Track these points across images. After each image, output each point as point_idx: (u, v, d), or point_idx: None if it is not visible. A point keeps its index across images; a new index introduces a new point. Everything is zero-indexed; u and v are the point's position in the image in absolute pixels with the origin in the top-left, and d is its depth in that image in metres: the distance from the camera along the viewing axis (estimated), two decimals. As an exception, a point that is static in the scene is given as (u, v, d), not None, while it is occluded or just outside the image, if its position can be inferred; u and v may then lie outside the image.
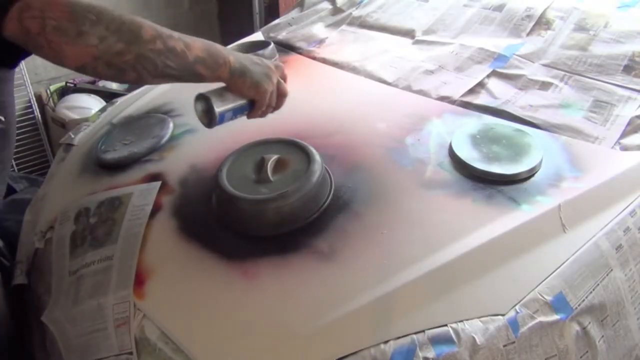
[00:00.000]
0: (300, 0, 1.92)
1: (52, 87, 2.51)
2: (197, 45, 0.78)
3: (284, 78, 0.93)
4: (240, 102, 0.85)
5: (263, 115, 0.90)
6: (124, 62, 0.71)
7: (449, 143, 1.06)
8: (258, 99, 0.86)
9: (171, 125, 1.22)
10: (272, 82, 0.87)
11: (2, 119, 0.82)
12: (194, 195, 1.02)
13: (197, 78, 0.79)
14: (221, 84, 0.84)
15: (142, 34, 0.72)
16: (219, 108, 0.82)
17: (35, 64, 2.45)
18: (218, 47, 0.81)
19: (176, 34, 0.76)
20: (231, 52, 0.82)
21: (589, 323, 0.82)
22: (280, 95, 0.90)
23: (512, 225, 0.87)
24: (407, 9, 1.64)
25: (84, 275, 0.93)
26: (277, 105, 0.91)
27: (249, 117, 0.89)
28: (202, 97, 0.84)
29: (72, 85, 2.50)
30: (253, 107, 0.87)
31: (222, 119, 0.84)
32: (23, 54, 0.74)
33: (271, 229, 0.90)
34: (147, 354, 0.82)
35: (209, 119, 0.84)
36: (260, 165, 0.97)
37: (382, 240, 0.86)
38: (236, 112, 0.86)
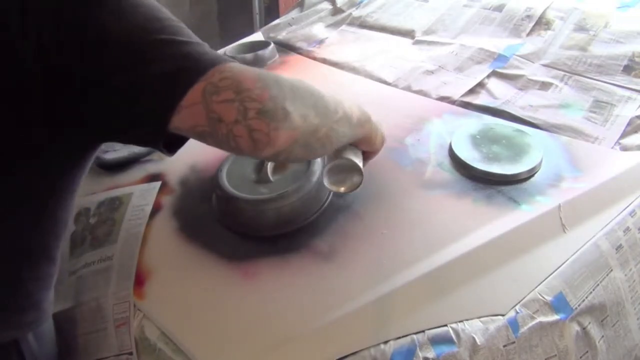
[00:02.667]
0: (300, 0, 1.92)
1: (52, 87, 2.50)
2: (353, 106, 0.68)
3: None
4: (360, 153, 0.74)
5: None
6: (317, 139, 0.60)
7: (449, 143, 1.05)
8: (381, 148, 0.78)
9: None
10: (382, 129, 0.77)
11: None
12: (194, 195, 1.02)
13: (347, 141, 0.69)
14: None
15: (327, 104, 0.62)
16: (360, 162, 0.72)
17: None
18: (354, 104, 0.69)
19: (339, 99, 0.65)
20: (356, 105, 0.70)
21: (589, 323, 0.82)
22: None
23: (512, 225, 0.87)
24: (407, 9, 1.64)
25: (84, 276, 0.93)
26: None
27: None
28: (356, 169, 0.72)
29: (72, 85, 2.50)
30: (366, 157, 0.78)
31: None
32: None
33: (271, 229, 0.90)
34: (147, 354, 0.82)
35: (351, 185, 0.74)
36: (260, 165, 0.96)
37: (382, 241, 0.86)
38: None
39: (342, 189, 0.75)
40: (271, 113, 0.54)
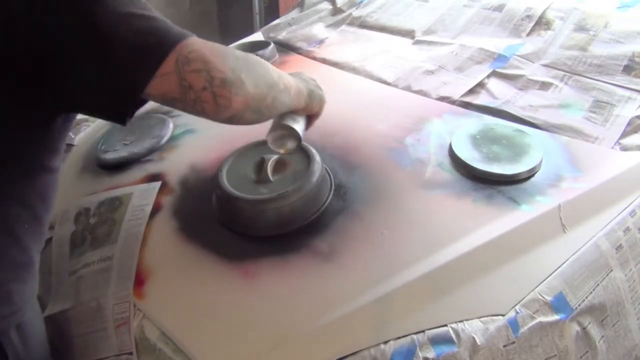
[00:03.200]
0: (300, 1, 1.92)
1: (52, 87, 2.50)
2: (292, 80, 0.78)
3: None
4: (304, 118, 0.86)
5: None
6: (265, 106, 0.70)
7: (449, 143, 1.06)
8: (321, 111, 0.89)
9: (171, 125, 1.22)
10: (321, 90, 0.89)
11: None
12: (194, 195, 1.02)
13: (287, 109, 0.80)
14: None
15: (272, 75, 0.72)
16: (301, 132, 0.83)
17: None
18: (294, 78, 0.80)
19: (281, 73, 0.76)
20: (295, 75, 0.83)
21: (589, 323, 0.82)
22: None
23: (512, 225, 0.87)
24: (407, 9, 1.64)
25: (84, 276, 0.93)
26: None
27: (306, 128, 0.89)
28: (292, 133, 0.82)
29: (72, 85, 2.50)
30: (310, 120, 0.89)
31: (301, 141, 0.85)
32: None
33: (271, 229, 0.90)
34: (147, 354, 0.82)
35: (295, 147, 0.85)
36: (260, 165, 0.97)
37: (382, 241, 0.86)
38: (304, 126, 0.87)
39: (281, 151, 0.86)
40: (232, 81, 0.63)
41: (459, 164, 1.00)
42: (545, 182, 0.96)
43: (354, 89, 1.35)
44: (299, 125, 0.83)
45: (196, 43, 0.63)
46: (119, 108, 0.64)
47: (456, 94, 1.24)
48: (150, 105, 1.37)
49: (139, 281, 0.88)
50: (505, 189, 0.95)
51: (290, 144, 0.85)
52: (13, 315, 0.71)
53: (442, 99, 1.24)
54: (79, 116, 2.42)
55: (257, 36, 1.76)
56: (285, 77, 0.76)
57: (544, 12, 1.41)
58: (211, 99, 0.63)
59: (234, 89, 0.64)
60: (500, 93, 1.23)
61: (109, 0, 0.60)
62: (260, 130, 1.13)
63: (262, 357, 0.75)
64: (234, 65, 0.65)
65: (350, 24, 1.68)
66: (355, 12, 1.71)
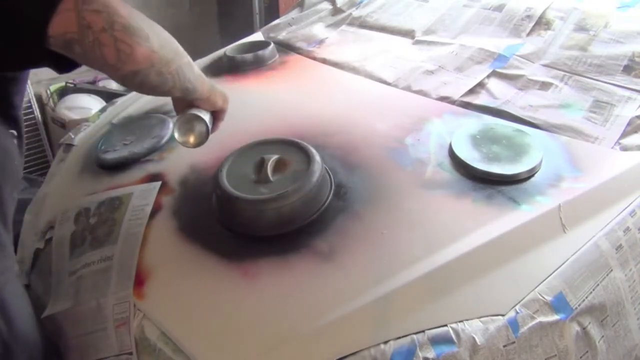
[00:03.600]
0: (300, 1, 1.92)
1: (52, 87, 2.51)
2: (194, 63, 0.79)
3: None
4: (210, 113, 0.87)
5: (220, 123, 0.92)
6: (169, 72, 0.70)
7: (449, 143, 1.06)
8: (225, 106, 0.89)
9: (171, 125, 1.22)
10: (220, 89, 0.88)
11: (15, 133, 0.76)
12: (194, 195, 1.02)
13: (193, 93, 0.80)
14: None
15: (179, 47, 0.73)
16: (206, 117, 0.84)
17: (35, 64, 2.45)
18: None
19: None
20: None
21: (589, 323, 0.82)
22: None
23: (512, 225, 0.87)
24: (407, 9, 1.64)
25: (84, 276, 0.93)
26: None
27: (214, 128, 0.90)
28: (198, 118, 0.83)
29: (72, 85, 2.50)
30: (216, 117, 0.89)
31: (209, 134, 0.86)
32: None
33: (271, 229, 0.90)
34: (147, 354, 0.82)
35: (206, 137, 0.85)
36: (260, 165, 0.97)
37: (382, 241, 0.86)
38: (211, 123, 0.88)
39: (191, 139, 0.84)
40: (135, 29, 0.62)
41: (459, 164, 1.01)
42: (545, 182, 0.96)
43: (354, 89, 1.35)
44: (206, 117, 0.84)
45: None
46: (30, 51, 0.61)
47: (456, 94, 1.24)
48: (150, 105, 1.38)
49: (139, 281, 0.88)
50: (505, 189, 0.95)
51: (198, 128, 0.83)
52: None
53: (442, 99, 1.24)
54: (79, 116, 2.41)
55: (257, 36, 1.77)
56: (189, 56, 0.76)
57: (544, 12, 1.41)
58: (111, 43, 0.61)
59: (137, 37, 0.62)
60: (500, 93, 1.23)
61: None
62: (260, 130, 1.14)
63: (262, 357, 0.75)
64: (139, 18, 0.63)
65: (350, 24, 1.68)
66: (355, 12, 1.71)
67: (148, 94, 0.74)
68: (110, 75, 0.67)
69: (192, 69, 0.76)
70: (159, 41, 0.66)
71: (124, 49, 0.62)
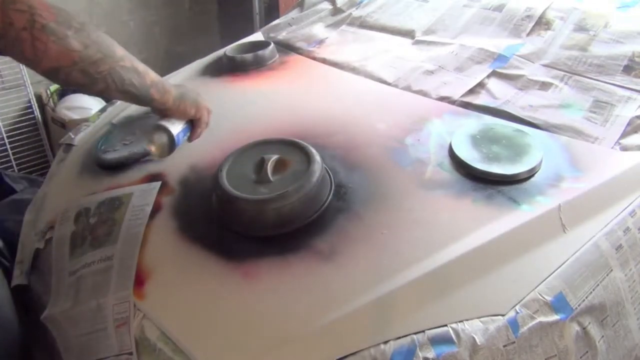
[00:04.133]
0: (300, 1, 1.92)
1: (52, 87, 2.51)
2: (151, 72, 0.84)
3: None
4: (184, 123, 0.91)
5: (201, 133, 0.96)
6: (98, 72, 0.74)
7: (449, 143, 1.06)
8: (199, 116, 0.93)
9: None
10: (202, 101, 0.93)
11: None
12: (194, 195, 1.02)
13: (148, 100, 0.84)
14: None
15: (115, 50, 0.77)
16: (175, 132, 0.87)
17: (35, 64, 2.45)
18: (163, 79, 0.86)
19: (135, 58, 0.81)
20: (168, 82, 0.88)
21: (589, 323, 0.82)
22: (209, 113, 0.96)
23: (512, 225, 0.87)
24: (407, 10, 1.64)
25: (84, 276, 0.93)
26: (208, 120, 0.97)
27: (191, 138, 0.94)
28: (161, 128, 0.86)
29: (72, 85, 2.50)
30: (194, 126, 0.93)
31: (179, 142, 0.89)
32: None
33: (271, 229, 0.90)
34: (147, 354, 0.82)
35: (169, 148, 0.87)
36: (260, 165, 0.97)
37: (382, 241, 0.86)
38: (184, 133, 0.91)
39: (152, 149, 0.86)
40: (53, 29, 0.67)
41: (459, 164, 1.01)
42: (545, 182, 0.96)
43: (354, 89, 1.35)
44: (174, 127, 0.87)
45: None
46: None
47: (456, 94, 1.24)
48: (150, 105, 1.37)
49: (139, 281, 0.88)
50: (505, 189, 0.95)
51: (158, 138, 0.85)
52: None
53: (442, 99, 1.24)
54: (79, 116, 2.41)
55: (257, 36, 1.76)
56: (139, 64, 0.81)
57: (544, 12, 1.41)
58: (29, 40, 0.66)
59: (53, 37, 0.67)
60: (500, 93, 1.23)
61: None
62: (260, 130, 1.14)
63: (262, 357, 0.75)
64: (63, 20, 0.69)
65: (350, 24, 1.68)
66: (355, 12, 1.71)
67: (84, 92, 0.77)
68: (34, 69, 0.71)
69: (137, 74, 0.80)
70: (83, 41, 0.71)
71: (39, 46, 0.67)
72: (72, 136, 1.36)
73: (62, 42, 0.69)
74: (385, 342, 0.73)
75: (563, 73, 1.24)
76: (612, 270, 0.87)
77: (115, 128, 1.31)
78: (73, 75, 0.72)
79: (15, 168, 2.27)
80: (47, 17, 0.67)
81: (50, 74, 0.71)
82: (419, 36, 1.51)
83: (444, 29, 1.50)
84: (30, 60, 0.69)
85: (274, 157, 0.97)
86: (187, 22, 3.02)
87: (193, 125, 0.93)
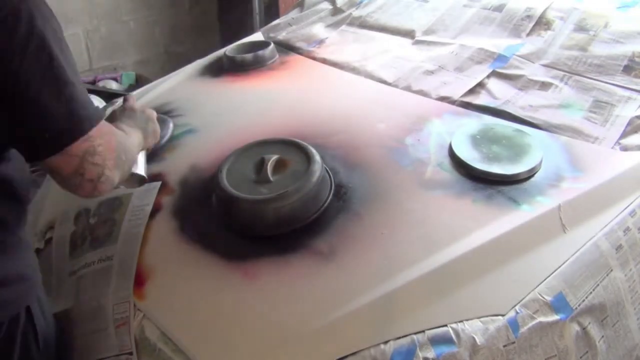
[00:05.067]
0: (300, 1, 1.92)
1: (52, 87, 2.50)
2: (135, 139, 0.90)
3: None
4: (143, 154, 0.98)
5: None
6: (99, 194, 0.78)
7: (449, 143, 1.06)
8: (154, 143, 1.02)
9: (171, 125, 1.22)
10: (154, 123, 1.01)
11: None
12: (194, 195, 1.02)
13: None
14: None
15: (135, 153, 0.87)
16: (143, 172, 0.95)
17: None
18: (135, 135, 0.91)
19: (133, 135, 0.89)
20: (132, 127, 0.92)
21: (589, 323, 0.82)
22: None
23: (512, 225, 0.87)
24: (407, 10, 1.64)
25: (84, 276, 0.93)
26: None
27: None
28: (136, 177, 0.94)
29: (72, 85, 2.50)
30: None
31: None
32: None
33: (271, 229, 0.90)
34: (147, 354, 0.82)
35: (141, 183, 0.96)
36: (260, 165, 0.97)
37: (382, 241, 0.86)
38: (144, 160, 0.99)
39: (135, 186, 0.95)
40: (111, 179, 0.74)
41: (459, 164, 1.00)
42: (545, 182, 0.96)
43: (354, 89, 1.35)
44: (139, 168, 0.94)
45: (104, 135, 0.72)
46: (35, 154, 0.70)
47: (456, 94, 1.24)
48: (150, 105, 1.37)
49: (139, 281, 0.88)
50: (505, 189, 0.95)
51: (136, 184, 0.95)
52: (33, 288, 0.79)
53: (442, 99, 1.24)
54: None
55: (257, 36, 1.76)
56: (135, 142, 0.89)
57: (544, 12, 1.41)
58: (89, 189, 0.72)
59: (109, 184, 0.74)
60: (500, 93, 1.23)
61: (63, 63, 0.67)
62: (260, 130, 1.13)
63: (262, 357, 0.75)
64: (120, 162, 0.76)
65: (350, 24, 1.68)
66: (355, 12, 1.71)
67: None
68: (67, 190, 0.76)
69: (139, 153, 0.91)
70: (123, 172, 0.79)
71: (96, 193, 0.74)
72: (72, 136, 1.35)
73: (113, 184, 0.76)
74: (385, 342, 0.73)
75: (563, 73, 1.24)
76: (612, 270, 0.87)
77: (115, 128, 1.30)
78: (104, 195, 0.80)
79: (15, 168, 2.27)
80: (111, 166, 0.73)
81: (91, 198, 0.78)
82: (419, 36, 1.51)
83: (444, 29, 1.50)
84: (76, 194, 0.74)
85: (274, 157, 0.97)
86: (187, 22, 3.02)
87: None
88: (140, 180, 0.94)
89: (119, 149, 0.76)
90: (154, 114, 1.03)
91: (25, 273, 0.78)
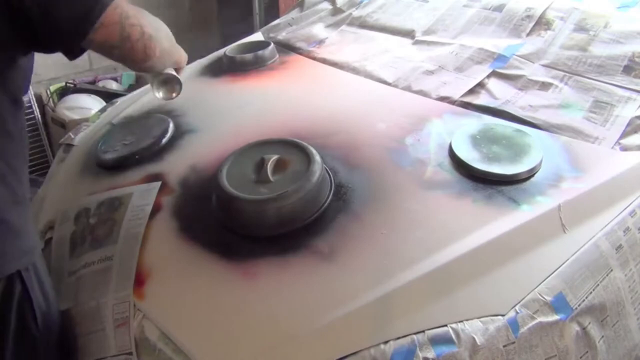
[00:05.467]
0: (300, 1, 1.92)
1: (52, 88, 2.51)
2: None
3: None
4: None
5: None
6: (170, 61, 0.92)
7: (448, 143, 1.06)
8: (184, 63, 1.03)
9: (171, 125, 1.22)
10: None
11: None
12: (194, 195, 1.02)
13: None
14: None
15: (168, 33, 0.92)
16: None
17: (35, 64, 2.45)
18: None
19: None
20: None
21: (589, 323, 0.82)
22: None
23: (512, 225, 0.87)
24: (407, 10, 1.64)
25: (84, 276, 0.93)
26: None
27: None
28: (174, 78, 0.99)
29: (72, 85, 2.51)
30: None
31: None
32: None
33: (271, 229, 0.90)
34: (146, 354, 0.82)
35: (178, 90, 1.00)
36: (260, 165, 0.97)
37: (382, 241, 0.86)
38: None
39: (174, 95, 1.00)
40: (156, 38, 0.84)
41: (459, 164, 1.00)
42: (545, 182, 0.96)
43: (354, 89, 1.35)
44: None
45: (125, 3, 0.79)
46: (70, 43, 0.76)
47: (456, 94, 1.24)
48: (150, 105, 1.37)
49: (139, 281, 0.88)
50: (505, 189, 0.95)
51: (177, 88, 0.99)
52: (30, 253, 0.81)
53: (442, 99, 1.24)
54: (79, 116, 2.42)
55: (257, 36, 1.77)
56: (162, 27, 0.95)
57: (544, 12, 1.41)
58: (142, 49, 0.81)
59: (156, 42, 0.83)
60: (500, 93, 1.23)
61: None
62: (260, 130, 1.13)
63: (262, 357, 0.75)
64: (154, 24, 0.85)
65: (350, 24, 1.68)
66: (355, 12, 1.71)
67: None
68: (131, 68, 0.89)
69: (177, 48, 0.96)
70: (167, 40, 0.88)
71: (150, 53, 0.83)
72: (72, 136, 1.36)
73: (160, 45, 0.85)
74: (385, 342, 0.73)
75: (563, 73, 1.24)
76: (612, 270, 0.87)
77: (115, 128, 1.31)
78: (157, 66, 0.90)
79: (15, 168, 2.27)
80: (149, 26, 0.82)
81: (144, 69, 0.88)
82: (419, 36, 1.51)
83: (444, 29, 1.50)
84: (137, 62, 0.84)
85: (274, 157, 0.97)
86: (187, 22, 3.02)
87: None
88: (179, 83, 0.98)
89: (143, 14, 0.83)
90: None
91: (8, 219, 0.77)
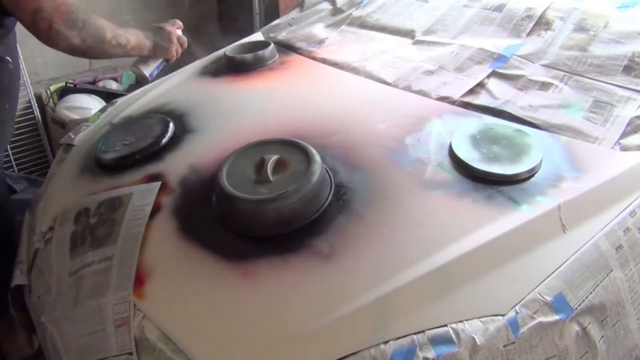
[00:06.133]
0: (300, 1, 1.92)
1: (52, 88, 2.51)
2: (132, 39, 1.26)
3: (180, 27, 1.44)
4: (159, 61, 1.43)
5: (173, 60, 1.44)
6: (92, 53, 1.19)
7: (449, 143, 1.06)
8: (169, 57, 1.41)
9: (171, 125, 1.23)
10: (172, 42, 1.39)
11: (10, 60, 1.19)
12: (194, 195, 1.02)
13: (130, 56, 1.31)
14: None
15: (106, 36, 1.18)
16: (148, 72, 1.41)
17: (35, 65, 2.45)
18: (142, 37, 1.30)
19: (122, 31, 1.22)
20: (147, 35, 1.32)
21: (589, 323, 0.82)
22: (182, 45, 1.43)
23: (512, 225, 0.87)
24: (407, 10, 1.64)
25: (84, 276, 0.93)
26: (183, 48, 1.44)
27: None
28: (136, 68, 1.41)
29: (72, 85, 2.50)
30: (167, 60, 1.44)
31: (152, 75, 1.42)
32: None
33: (271, 229, 0.90)
34: (147, 354, 0.82)
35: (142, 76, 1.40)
36: (260, 165, 0.97)
37: (382, 241, 0.86)
38: (159, 67, 1.44)
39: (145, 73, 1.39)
40: (63, 33, 1.09)
41: (459, 164, 1.01)
42: (545, 182, 0.96)
43: (354, 89, 1.35)
44: (147, 68, 1.40)
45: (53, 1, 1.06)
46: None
47: (456, 94, 1.24)
48: (150, 105, 1.38)
49: (139, 281, 0.88)
50: (505, 189, 0.95)
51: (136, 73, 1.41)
52: None
53: (442, 99, 1.24)
54: (79, 116, 2.42)
55: (257, 36, 1.77)
56: (122, 38, 1.22)
57: (544, 12, 1.41)
58: (46, 38, 1.07)
59: (62, 37, 1.07)
60: (500, 93, 1.23)
61: None
62: (260, 130, 1.13)
63: (262, 357, 0.75)
64: (73, 24, 1.09)
65: (350, 24, 1.68)
66: (355, 12, 1.71)
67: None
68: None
69: (122, 47, 1.22)
70: (82, 38, 1.13)
71: (54, 43, 1.10)
72: (72, 136, 1.36)
73: (68, 41, 1.10)
74: (385, 342, 0.73)
75: (563, 73, 1.24)
76: (612, 270, 0.87)
77: (115, 128, 1.31)
78: (75, 54, 1.15)
79: (15, 168, 2.27)
80: (59, 22, 1.04)
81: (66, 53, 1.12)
82: (419, 36, 1.51)
83: (444, 29, 1.50)
84: (47, 45, 1.08)
85: (274, 157, 0.97)
86: (187, 22, 3.01)
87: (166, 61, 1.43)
88: (141, 77, 1.35)
89: (73, 14, 1.07)
90: (174, 34, 1.39)
91: None
